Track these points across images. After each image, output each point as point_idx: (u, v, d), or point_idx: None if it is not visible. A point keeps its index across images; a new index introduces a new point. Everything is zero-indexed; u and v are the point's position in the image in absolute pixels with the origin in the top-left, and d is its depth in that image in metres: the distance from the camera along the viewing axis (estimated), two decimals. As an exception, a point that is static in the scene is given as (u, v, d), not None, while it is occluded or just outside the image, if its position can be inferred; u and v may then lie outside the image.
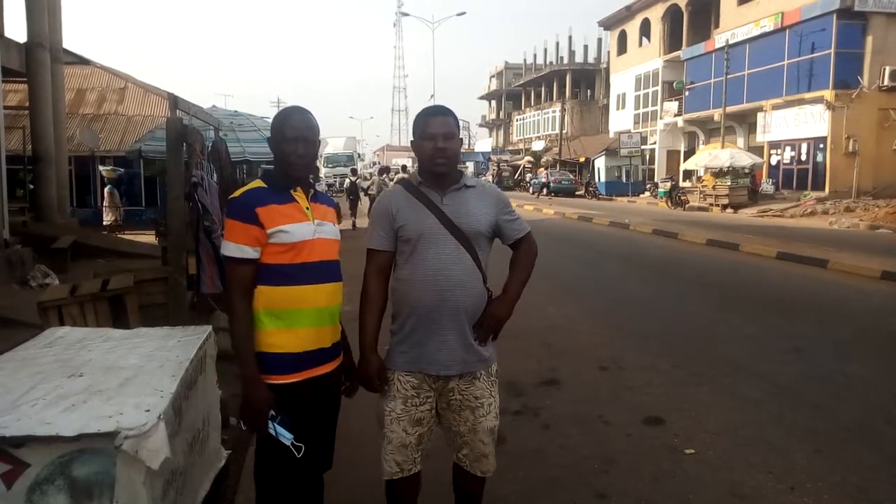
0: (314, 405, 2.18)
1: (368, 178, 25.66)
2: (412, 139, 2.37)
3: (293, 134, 2.17)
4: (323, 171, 38.84)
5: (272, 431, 2.06)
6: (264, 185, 2.17)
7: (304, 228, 2.14)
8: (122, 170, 18.20)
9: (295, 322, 2.12)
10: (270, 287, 2.10)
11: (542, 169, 40.88)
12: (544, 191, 34.26)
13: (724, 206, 23.24)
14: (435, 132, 2.26)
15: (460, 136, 2.41)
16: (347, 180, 21.89)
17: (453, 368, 2.26)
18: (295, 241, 2.10)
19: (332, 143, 47.01)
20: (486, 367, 2.35)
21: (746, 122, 27.74)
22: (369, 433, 2.60)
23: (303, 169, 2.21)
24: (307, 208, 2.19)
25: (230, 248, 2.08)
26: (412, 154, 2.55)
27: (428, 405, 2.31)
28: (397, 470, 2.30)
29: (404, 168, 22.84)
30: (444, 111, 2.34)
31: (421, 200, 2.28)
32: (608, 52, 45.63)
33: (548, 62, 61.92)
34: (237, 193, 2.16)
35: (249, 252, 2.08)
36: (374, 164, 52.71)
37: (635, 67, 37.51)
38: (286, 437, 2.07)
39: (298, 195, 2.19)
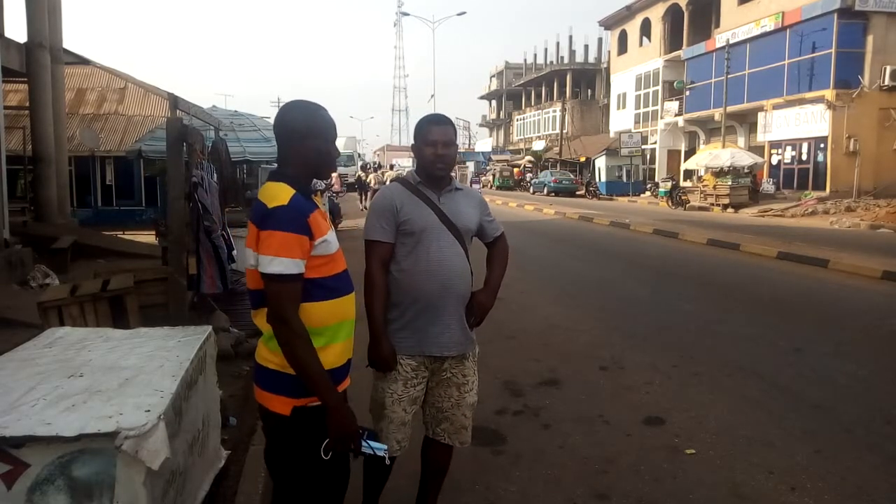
0: None
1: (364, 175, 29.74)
2: (413, 143, 2.56)
3: (334, 133, 2.07)
4: None
5: (367, 450, 1.97)
6: (292, 189, 1.92)
7: (333, 236, 2.01)
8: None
9: (335, 337, 1.98)
10: (313, 303, 1.91)
11: (517, 170, 44.36)
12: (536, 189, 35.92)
13: (725, 206, 23.23)
14: (436, 139, 2.46)
15: (457, 143, 2.61)
16: (358, 174, 30.15)
17: (453, 350, 2.49)
18: (333, 251, 1.97)
19: (332, 143, 46.97)
20: (474, 348, 2.60)
21: (747, 121, 27.72)
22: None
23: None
24: (325, 216, 2.08)
25: (286, 265, 1.82)
26: (412, 154, 2.65)
27: (422, 385, 2.52)
28: (397, 448, 2.48)
29: (392, 167, 28.44)
30: (445, 120, 2.54)
31: (421, 198, 2.48)
32: (608, 52, 45.62)
33: (548, 62, 61.85)
34: (283, 201, 1.87)
35: (303, 267, 1.88)
36: (374, 163, 52.77)
37: (636, 67, 37.48)
38: (381, 449, 2.01)
39: (318, 200, 2.06)
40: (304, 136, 1.98)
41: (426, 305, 2.42)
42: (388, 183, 2.73)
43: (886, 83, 22.43)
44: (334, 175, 28.82)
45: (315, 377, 1.85)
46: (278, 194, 1.89)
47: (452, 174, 2.65)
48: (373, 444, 1.99)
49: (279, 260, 1.82)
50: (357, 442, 1.93)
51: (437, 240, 2.43)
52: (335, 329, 1.99)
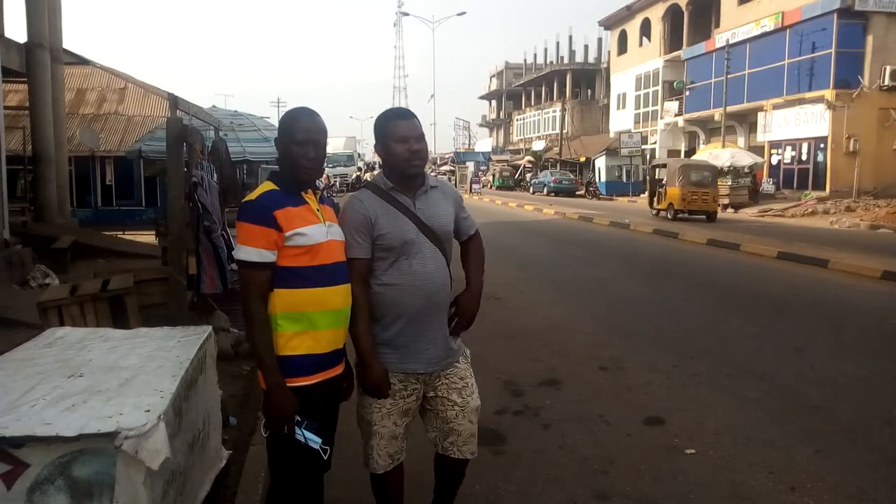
0: (324, 407, 2.19)
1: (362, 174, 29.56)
2: (376, 143, 2.36)
3: (303, 137, 2.14)
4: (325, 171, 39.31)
5: (300, 437, 2.06)
6: (275, 187, 2.13)
7: (319, 230, 2.13)
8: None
9: (314, 324, 2.11)
10: (289, 290, 2.08)
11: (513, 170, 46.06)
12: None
13: (725, 206, 23.20)
14: (407, 135, 2.28)
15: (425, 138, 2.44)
16: (355, 174, 29.39)
17: (439, 365, 2.36)
18: (312, 243, 2.09)
19: (332, 143, 47.00)
20: (464, 350, 2.49)
21: (747, 121, 27.74)
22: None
23: (313, 172, 2.18)
24: (317, 210, 2.18)
25: (249, 253, 2.03)
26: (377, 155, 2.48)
27: (415, 396, 2.38)
28: (390, 462, 2.38)
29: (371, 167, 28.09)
30: (411, 114, 2.37)
31: (396, 207, 2.29)
32: (608, 52, 45.66)
33: (548, 62, 61.88)
34: (252, 196, 2.10)
35: (268, 256, 2.05)
36: (373, 163, 52.85)
37: (636, 67, 37.50)
38: (315, 441, 2.08)
39: (309, 197, 2.19)
40: (282, 139, 2.19)
41: (410, 321, 2.28)
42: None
43: (886, 83, 22.47)
44: (324, 176, 29.29)
45: (261, 358, 2.06)
46: (256, 191, 2.14)
47: (426, 171, 2.44)
48: (307, 433, 2.07)
49: (243, 248, 2.05)
50: (290, 427, 2.05)
51: (419, 251, 2.28)
52: (315, 316, 2.11)
